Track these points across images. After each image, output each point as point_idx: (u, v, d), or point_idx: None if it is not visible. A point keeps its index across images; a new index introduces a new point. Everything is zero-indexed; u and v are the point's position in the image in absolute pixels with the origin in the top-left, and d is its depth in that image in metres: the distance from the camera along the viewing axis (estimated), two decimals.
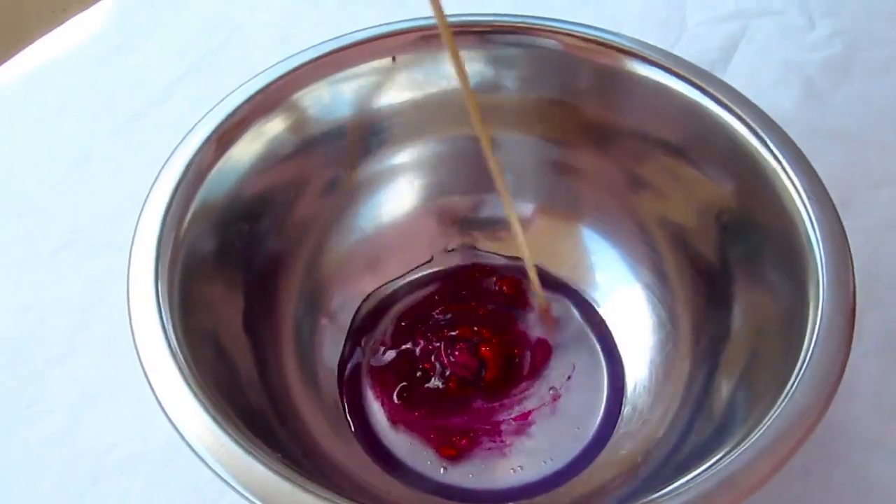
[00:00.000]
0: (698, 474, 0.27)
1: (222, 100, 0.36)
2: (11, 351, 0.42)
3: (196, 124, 0.35)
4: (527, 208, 0.43)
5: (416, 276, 0.43)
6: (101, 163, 0.49)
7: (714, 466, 0.27)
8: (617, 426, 0.38)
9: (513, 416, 0.38)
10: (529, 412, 0.38)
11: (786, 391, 0.28)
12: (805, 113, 0.36)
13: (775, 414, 0.28)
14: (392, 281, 0.42)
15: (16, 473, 0.38)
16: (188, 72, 0.54)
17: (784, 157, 0.34)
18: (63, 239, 0.46)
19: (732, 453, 0.27)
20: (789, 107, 0.36)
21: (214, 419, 0.27)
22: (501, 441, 0.38)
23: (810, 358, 0.29)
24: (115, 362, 0.41)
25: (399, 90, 0.40)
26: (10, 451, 0.38)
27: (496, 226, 0.43)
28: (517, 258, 0.42)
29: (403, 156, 0.42)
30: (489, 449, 0.37)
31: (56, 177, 0.49)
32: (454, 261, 0.43)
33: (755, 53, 0.52)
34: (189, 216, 0.33)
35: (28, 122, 0.52)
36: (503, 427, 0.38)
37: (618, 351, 0.40)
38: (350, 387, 0.39)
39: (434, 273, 0.43)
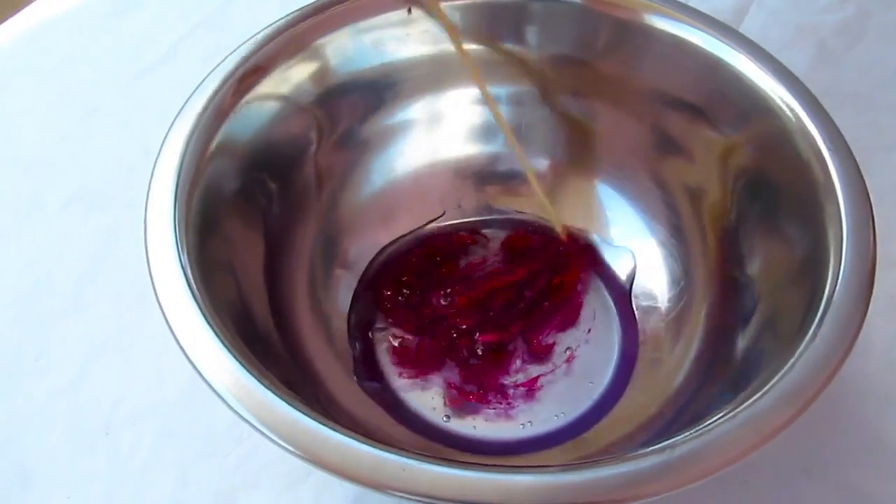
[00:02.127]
0: (721, 417, 0.26)
1: (245, 41, 0.36)
2: (18, 304, 0.41)
3: (218, 64, 0.35)
4: (542, 163, 0.42)
5: (430, 230, 0.43)
6: (108, 119, 0.49)
7: (737, 410, 0.26)
8: (631, 379, 0.38)
9: (520, 381, 0.38)
10: (537, 377, 0.38)
11: (808, 336, 0.28)
12: (818, 75, 0.36)
13: (798, 358, 0.27)
14: (406, 234, 0.42)
15: (26, 425, 0.38)
16: (194, 29, 0.53)
17: (803, 108, 0.34)
18: (70, 194, 0.45)
19: (755, 397, 0.27)
20: (802, 69, 0.36)
21: (234, 358, 0.27)
22: (508, 400, 0.37)
23: (833, 302, 0.29)
24: (123, 316, 0.41)
25: (414, 43, 0.39)
26: (20, 403, 0.38)
27: (511, 181, 0.43)
28: (530, 214, 0.43)
29: (418, 109, 0.42)
30: (497, 402, 0.37)
31: (62, 132, 0.48)
32: (467, 216, 0.43)
33: (767, 15, 0.52)
34: (210, 149, 0.33)
35: (33, 78, 0.51)
36: (510, 391, 0.38)
37: (631, 305, 0.40)
38: (361, 334, 0.39)
39: (450, 226, 0.43)
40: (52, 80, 0.51)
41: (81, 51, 0.52)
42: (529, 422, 0.37)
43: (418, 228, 0.42)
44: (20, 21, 0.54)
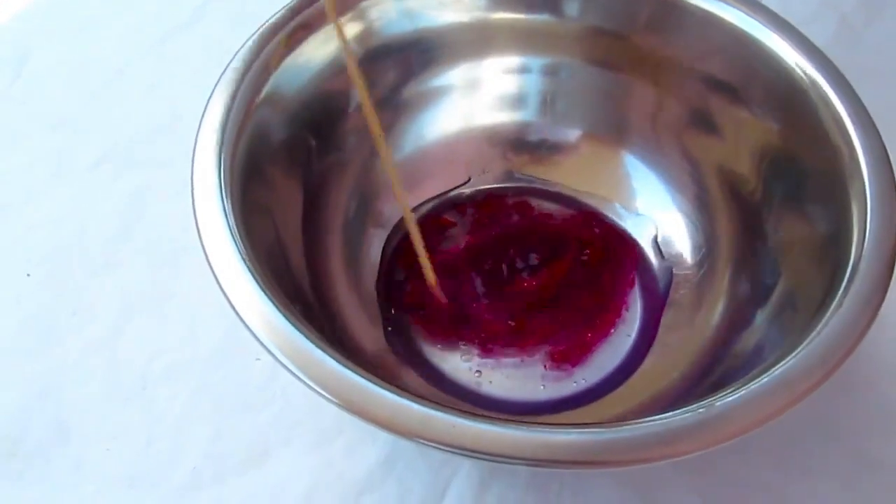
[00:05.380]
0: (751, 380, 0.27)
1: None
2: (52, 260, 0.42)
3: (268, 20, 0.36)
4: (574, 134, 0.43)
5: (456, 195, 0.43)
6: (134, 80, 0.49)
7: (768, 374, 0.27)
8: (652, 345, 0.39)
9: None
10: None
11: (834, 304, 0.29)
12: (839, 50, 0.37)
13: (826, 325, 0.29)
14: (431, 199, 0.43)
15: (64, 378, 0.38)
16: None
17: (831, 86, 0.35)
18: (99, 154, 0.46)
19: (784, 361, 0.28)
20: (823, 43, 0.37)
21: (279, 313, 0.28)
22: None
23: (858, 273, 0.30)
24: (157, 273, 0.42)
25: (451, 11, 0.40)
26: (56, 357, 0.39)
27: (539, 150, 0.43)
28: (556, 184, 0.43)
29: (454, 76, 0.42)
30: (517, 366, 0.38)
31: (89, 93, 0.49)
32: (489, 183, 0.44)
33: None
34: (258, 100, 0.34)
35: (59, 39, 0.51)
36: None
37: (652, 271, 0.41)
38: (389, 293, 0.40)
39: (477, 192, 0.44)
40: (77, 41, 0.51)
41: (106, 12, 0.53)
42: (542, 386, 0.38)
43: (443, 194, 0.43)
44: None
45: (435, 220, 0.42)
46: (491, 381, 0.38)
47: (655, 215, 0.42)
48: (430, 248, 0.38)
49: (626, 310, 0.40)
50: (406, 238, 0.41)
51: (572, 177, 0.43)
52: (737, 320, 0.36)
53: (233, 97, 0.33)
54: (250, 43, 0.35)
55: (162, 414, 0.38)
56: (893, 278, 0.30)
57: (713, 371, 0.35)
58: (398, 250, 0.41)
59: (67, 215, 0.44)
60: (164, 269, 0.42)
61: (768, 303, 0.35)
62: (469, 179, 0.43)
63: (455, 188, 0.43)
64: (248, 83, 0.34)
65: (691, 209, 0.41)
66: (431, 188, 0.43)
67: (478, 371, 0.38)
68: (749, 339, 0.35)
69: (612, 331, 0.39)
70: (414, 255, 0.39)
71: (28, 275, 0.41)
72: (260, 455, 0.37)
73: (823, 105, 0.35)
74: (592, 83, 0.42)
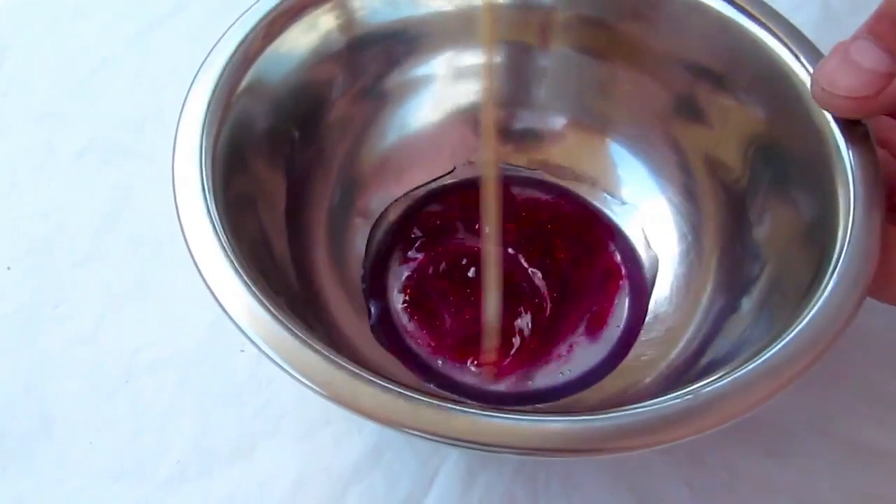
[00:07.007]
0: (739, 366, 0.27)
1: None
2: (35, 252, 0.42)
3: (249, 9, 0.35)
4: (559, 122, 0.43)
5: (440, 185, 0.43)
6: (119, 71, 0.49)
7: (756, 359, 0.27)
8: (639, 334, 0.38)
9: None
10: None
11: (821, 289, 0.29)
12: (823, 37, 0.37)
13: (812, 309, 0.28)
14: (415, 188, 0.43)
15: (47, 372, 0.38)
16: None
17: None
18: (83, 145, 0.46)
19: (773, 346, 0.28)
20: (807, 31, 0.37)
21: (263, 305, 0.28)
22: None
23: (844, 258, 0.29)
24: (141, 266, 0.41)
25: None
26: (40, 350, 0.39)
27: (524, 139, 0.43)
28: (541, 172, 0.43)
29: (438, 64, 0.42)
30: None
31: (73, 83, 0.48)
32: (477, 173, 0.42)
33: None
34: (239, 89, 0.34)
35: (43, 29, 0.51)
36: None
37: (639, 259, 0.41)
38: (374, 285, 0.40)
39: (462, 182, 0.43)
40: (61, 31, 0.51)
41: (89, 2, 0.52)
42: (529, 381, 0.38)
43: (427, 183, 0.43)
44: None
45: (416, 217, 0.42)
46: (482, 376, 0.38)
47: (641, 204, 0.42)
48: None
49: (616, 302, 0.40)
50: (393, 229, 0.41)
51: (558, 165, 0.43)
52: (724, 307, 0.36)
53: (213, 88, 0.33)
54: (230, 32, 0.35)
55: (147, 407, 0.37)
56: None
57: (700, 359, 0.35)
58: (382, 242, 0.41)
59: (50, 207, 0.43)
60: (148, 260, 0.41)
61: (755, 289, 0.35)
62: (454, 169, 0.43)
63: (439, 178, 0.43)
64: (229, 73, 0.34)
65: (678, 197, 0.41)
66: (415, 178, 0.43)
67: (472, 362, 0.38)
68: (736, 325, 0.34)
69: (605, 326, 0.39)
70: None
71: (8, 268, 0.41)
72: (246, 447, 0.36)
73: (809, 91, 0.34)
74: (577, 71, 0.42)
